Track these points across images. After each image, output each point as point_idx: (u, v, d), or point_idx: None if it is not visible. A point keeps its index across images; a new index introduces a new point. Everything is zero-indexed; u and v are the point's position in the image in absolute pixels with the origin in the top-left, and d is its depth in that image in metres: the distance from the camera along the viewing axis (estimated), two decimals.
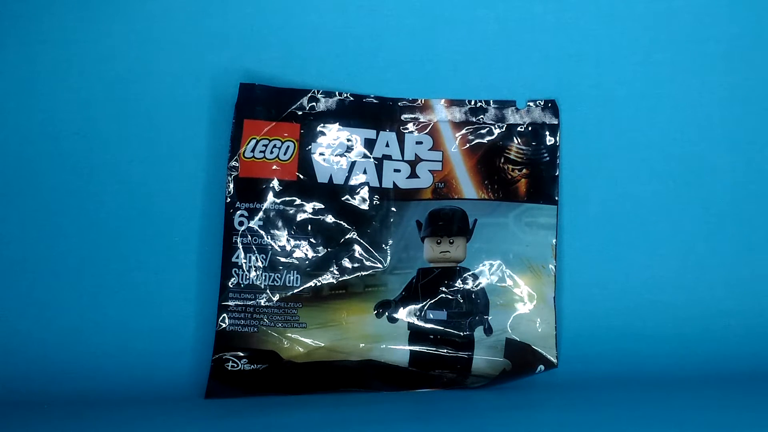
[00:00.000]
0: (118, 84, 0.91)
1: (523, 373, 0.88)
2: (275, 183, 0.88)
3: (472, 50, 0.92)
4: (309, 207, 0.89)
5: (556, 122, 0.91)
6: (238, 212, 0.88)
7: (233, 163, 0.88)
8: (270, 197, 0.88)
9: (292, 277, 0.88)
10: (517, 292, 0.89)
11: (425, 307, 0.88)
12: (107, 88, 0.91)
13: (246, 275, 0.87)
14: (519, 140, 0.91)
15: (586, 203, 0.92)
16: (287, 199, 0.88)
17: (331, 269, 0.88)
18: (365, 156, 0.90)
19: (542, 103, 0.91)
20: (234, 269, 0.87)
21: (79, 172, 0.91)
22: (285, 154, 0.89)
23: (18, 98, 0.91)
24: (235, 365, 0.86)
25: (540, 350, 0.88)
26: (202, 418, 0.79)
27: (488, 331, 0.88)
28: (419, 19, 0.92)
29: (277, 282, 0.87)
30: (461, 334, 0.88)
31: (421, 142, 0.90)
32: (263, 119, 0.89)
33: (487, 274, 0.89)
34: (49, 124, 0.91)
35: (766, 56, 0.93)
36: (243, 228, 0.88)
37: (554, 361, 0.88)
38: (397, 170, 0.90)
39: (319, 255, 0.88)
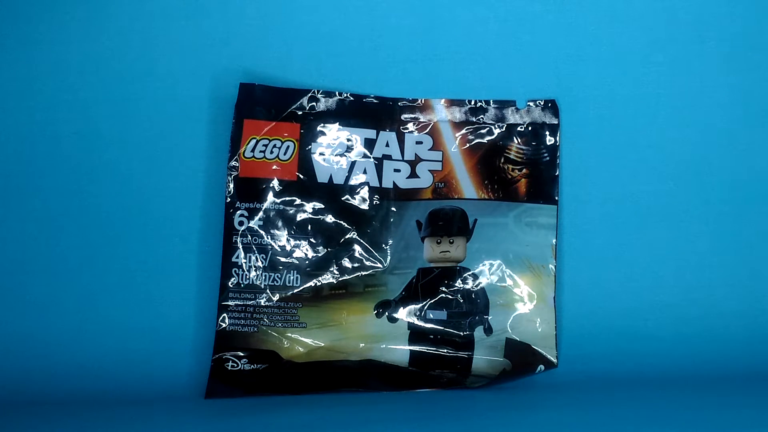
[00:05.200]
0: (118, 84, 0.91)
1: (523, 373, 0.88)
2: (275, 183, 0.88)
3: (472, 50, 0.92)
4: (309, 207, 0.89)
5: (556, 122, 0.91)
6: (238, 212, 0.88)
7: (233, 163, 0.88)
8: (270, 197, 0.88)
9: (292, 277, 0.88)
10: (517, 292, 0.89)
11: (425, 307, 0.88)
12: (107, 88, 0.91)
13: (246, 275, 0.87)
14: (519, 140, 0.91)
15: (586, 203, 0.92)
16: (287, 199, 0.88)
17: (331, 269, 0.88)
18: (365, 156, 0.90)
19: (542, 103, 0.91)
20: (234, 269, 0.87)
21: (79, 172, 0.91)
22: (285, 154, 0.89)
23: (18, 98, 0.91)
24: (235, 365, 0.86)
25: (540, 350, 0.88)
26: (202, 418, 0.79)
27: (488, 331, 0.88)
28: (419, 19, 0.92)
29: (277, 282, 0.87)
30: (461, 334, 0.88)
31: (421, 142, 0.90)
32: (263, 119, 0.89)
33: (487, 274, 0.89)
34: (49, 124, 0.91)
35: (766, 56, 0.93)
36: (243, 228, 0.88)
37: (554, 361, 0.88)
38: (397, 170, 0.90)
39: (319, 255, 0.88)
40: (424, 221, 0.89)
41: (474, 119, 0.91)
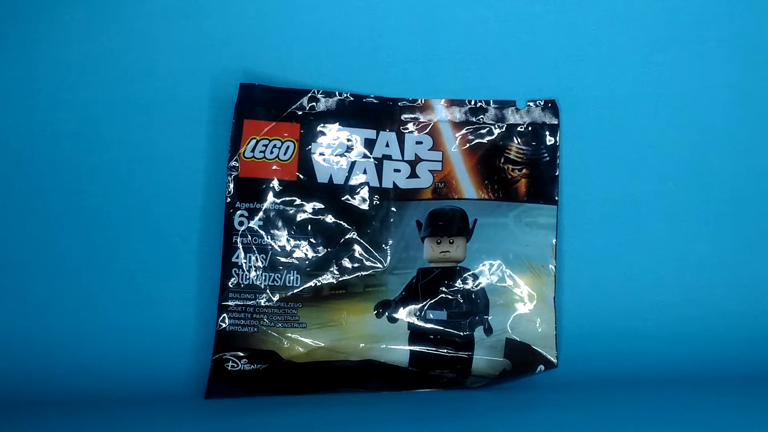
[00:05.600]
0: (117, 84, 0.91)
1: (523, 373, 0.88)
2: (275, 183, 0.88)
3: (472, 50, 0.92)
4: (309, 207, 0.89)
5: (556, 122, 0.91)
6: (238, 212, 0.88)
7: (233, 163, 0.88)
8: (270, 197, 0.88)
9: (292, 277, 0.88)
10: (517, 292, 0.89)
11: (425, 307, 0.88)
12: (107, 88, 0.91)
13: (246, 275, 0.87)
14: (519, 140, 0.91)
15: (586, 203, 0.92)
16: (287, 199, 0.88)
17: (331, 269, 0.88)
18: (365, 156, 0.90)
19: (542, 103, 0.91)
20: (234, 269, 0.87)
21: (79, 172, 0.91)
22: (285, 154, 0.89)
23: (18, 98, 0.91)
24: (235, 365, 0.86)
25: (540, 350, 0.88)
26: (202, 418, 0.79)
27: (488, 331, 0.88)
28: (419, 19, 0.92)
29: (277, 282, 0.87)
30: (461, 334, 0.88)
31: (421, 142, 0.90)
32: (263, 119, 0.89)
33: (487, 274, 0.89)
34: (49, 124, 0.91)
35: (766, 56, 0.93)
36: (243, 228, 0.88)
37: (554, 361, 0.88)
38: (397, 170, 0.90)
39: (319, 255, 0.88)
40: (424, 221, 0.89)
41: (474, 119, 0.91)
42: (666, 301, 0.91)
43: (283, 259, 0.88)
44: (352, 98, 0.90)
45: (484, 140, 0.91)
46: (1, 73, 0.91)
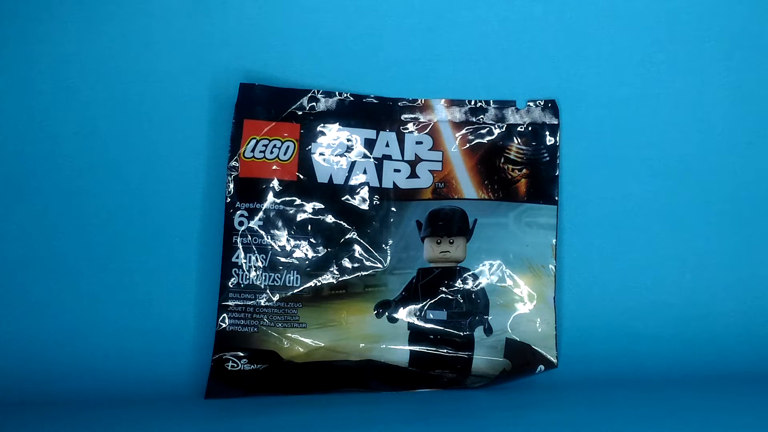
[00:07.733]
0: (117, 84, 0.91)
1: (523, 373, 0.88)
2: (275, 183, 0.88)
3: (472, 50, 0.92)
4: (309, 207, 0.89)
5: (556, 122, 0.91)
6: (238, 212, 0.88)
7: (233, 163, 0.88)
8: (270, 197, 0.88)
9: (292, 277, 0.88)
10: (517, 292, 0.89)
11: (425, 307, 0.88)
12: (107, 88, 0.91)
13: (246, 275, 0.87)
14: (519, 140, 0.91)
15: (586, 203, 0.92)
16: (287, 199, 0.88)
17: (331, 269, 0.88)
18: (365, 156, 0.90)
19: (542, 103, 0.91)
20: (234, 269, 0.87)
21: (79, 172, 0.91)
22: (285, 154, 0.89)
23: (18, 98, 0.91)
24: (235, 365, 0.86)
25: (540, 350, 0.88)
26: (202, 418, 0.79)
27: (488, 331, 0.88)
28: (419, 19, 0.92)
29: (277, 282, 0.87)
30: (461, 334, 0.88)
31: (421, 142, 0.90)
32: (263, 119, 0.89)
33: (487, 274, 0.89)
34: (49, 124, 0.91)
35: (766, 56, 0.93)
36: (243, 228, 0.88)
37: (554, 361, 0.88)
38: (397, 170, 0.90)
39: (319, 255, 0.88)
40: (424, 221, 0.89)
41: (474, 119, 0.91)
42: (666, 301, 0.91)
43: (283, 259, 0.88)
44: (352, 98, 0.90)
45: (484, 140, 0.91)
46: (1, 73, 0.91)
